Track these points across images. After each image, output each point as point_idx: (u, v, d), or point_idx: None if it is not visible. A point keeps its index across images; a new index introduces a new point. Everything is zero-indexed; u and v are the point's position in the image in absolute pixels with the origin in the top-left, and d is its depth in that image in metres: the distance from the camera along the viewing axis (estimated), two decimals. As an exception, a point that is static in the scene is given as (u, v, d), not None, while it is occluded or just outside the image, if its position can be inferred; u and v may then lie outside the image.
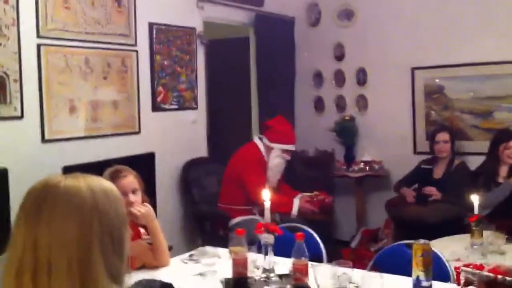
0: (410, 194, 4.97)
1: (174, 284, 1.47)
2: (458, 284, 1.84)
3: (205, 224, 4.81)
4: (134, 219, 2.57)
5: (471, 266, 1.96)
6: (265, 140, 4.61)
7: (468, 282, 1.78)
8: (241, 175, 4.48)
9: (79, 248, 1.13)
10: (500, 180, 4.48)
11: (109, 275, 1.15)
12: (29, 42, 3.66)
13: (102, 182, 1.23)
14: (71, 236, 1.13)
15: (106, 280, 1.15)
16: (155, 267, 2.59)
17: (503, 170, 4.51)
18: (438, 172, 4.92)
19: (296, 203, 4.48)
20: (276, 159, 4.55)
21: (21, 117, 3.61)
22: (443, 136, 4.89)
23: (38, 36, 3.72)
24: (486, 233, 3.38)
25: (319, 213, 4.67)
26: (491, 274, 1.71)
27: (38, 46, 3.72)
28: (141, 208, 2.60)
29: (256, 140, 4.69)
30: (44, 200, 1.15)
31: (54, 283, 1.10)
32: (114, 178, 2.48)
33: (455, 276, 1.95)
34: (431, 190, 4.78)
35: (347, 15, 5.90)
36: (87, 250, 1.14)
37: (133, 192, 2.62)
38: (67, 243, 1.12)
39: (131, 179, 2.63)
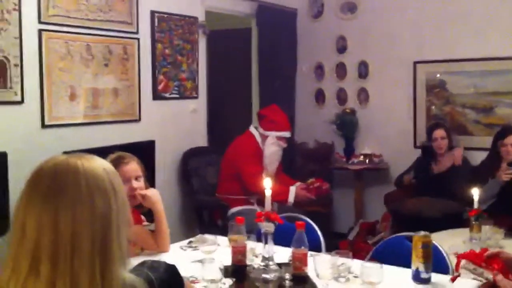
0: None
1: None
2: (456, 270, 1.85)
3: (203, 213, 4.80)
4: (141, 200, 2.58)
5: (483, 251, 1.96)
6: (260, 129, 4.60)
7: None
8: (237, 165, 4.48)
9: (102, 228, 1.13)
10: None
11: (121, 254, 1.16)
12: (30, 27, 3.65)
13: (108, 163, 1.24)
14: (96, 216, 1.13)
15: (119, 260, 1.15)
16: (154, 252, 2.59)
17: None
18: (439, 167, 4.91)
19: (293, 191, 4.46)
20: (271, 147, 4.54)
21: (21, 102, 3.60)
22: (439, 133, 4.87)
23: (40, 21, 3.71)
24: (484, 227, 3.38)
25: (316, 201, 4.65)
26: (490, 277, 1.71)
27: (40, 32, 3.70)
28: (149, 191, 2.62)
29: (252, 129, 4.68)
30: (65, 181, 1.13)
31: (76, 264, 1.09)
32: (117, 164, 2.46)
33: (455, 265, 1.95)
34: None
35: (350, 7, 5.88)
36: (108, 230, 1.14)
37: (136, 178, 2.62)
38: (93, 223, 1.12)
39: (134, 166, 2.62)
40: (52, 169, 1.16)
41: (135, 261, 1.39)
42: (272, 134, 4.55)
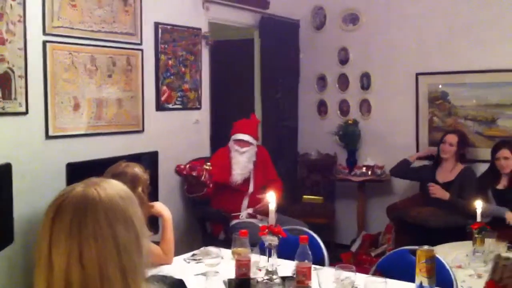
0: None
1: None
2: None
3: (206, 225, 4.80)
4: (151, 209, 2.63)
5: None
6: None
7: None
8: None
9: (128, 255, 1.13)
10: (500, 187, 4.52)
11: (146, 273, 1.19)
12: (35, 39, 3.66)
13: (123, 187, 1.23)
14: (119, 246, 1.13)
15: (145, 278, 1.18)
16: (157, 265, 2.59)
17: (504, 178, 4.55)
18: (444, 175, 4.88)
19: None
20: (234, 155, 4.56)
21: (26, 113, 3.60)
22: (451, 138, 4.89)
23: (44, 33, 3.72)
24: (487, 241, 3.37)
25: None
26: None
27: (44, 43, 3.72)
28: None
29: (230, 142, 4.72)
30: (85, 215, 1.13)
31: None
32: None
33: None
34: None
35: (352, 19, 5.91)
36: (134, 255, 1.15)
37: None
38: (118, 254, 1.12)
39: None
40: (71, 203, 1.14)
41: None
42: (232, 138, 4.60)
